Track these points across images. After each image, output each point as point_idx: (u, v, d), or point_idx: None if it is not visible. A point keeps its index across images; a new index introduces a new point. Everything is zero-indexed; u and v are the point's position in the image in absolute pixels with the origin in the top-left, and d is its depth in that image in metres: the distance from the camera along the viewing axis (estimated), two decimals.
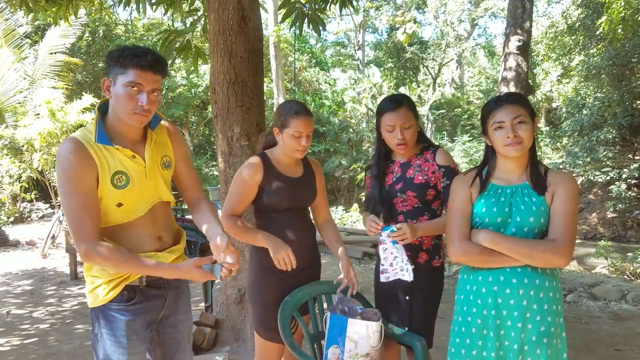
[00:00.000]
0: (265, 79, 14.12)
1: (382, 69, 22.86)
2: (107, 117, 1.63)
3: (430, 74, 23.14)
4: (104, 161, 1.55)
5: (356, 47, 21.48)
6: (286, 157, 2.16)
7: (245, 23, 3.33)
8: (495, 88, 17.30)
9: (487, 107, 1.75)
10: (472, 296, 1.76)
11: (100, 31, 13.99)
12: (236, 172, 2.15)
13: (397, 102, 2.10)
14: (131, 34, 14.79)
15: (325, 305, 2.22)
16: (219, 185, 3.74)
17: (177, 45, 4.29)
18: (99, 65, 14.56)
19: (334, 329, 2.02)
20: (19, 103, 9.91)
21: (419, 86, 21.05)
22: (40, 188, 9.79)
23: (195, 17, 4.71)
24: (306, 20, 4.45)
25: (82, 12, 9.70)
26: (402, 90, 19.11)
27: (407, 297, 2.13)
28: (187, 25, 4.82)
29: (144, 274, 1.65)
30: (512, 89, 8.18)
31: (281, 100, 13.54)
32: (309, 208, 2.33)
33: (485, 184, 1.80)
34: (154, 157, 1.70)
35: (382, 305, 2.21)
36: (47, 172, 8.73)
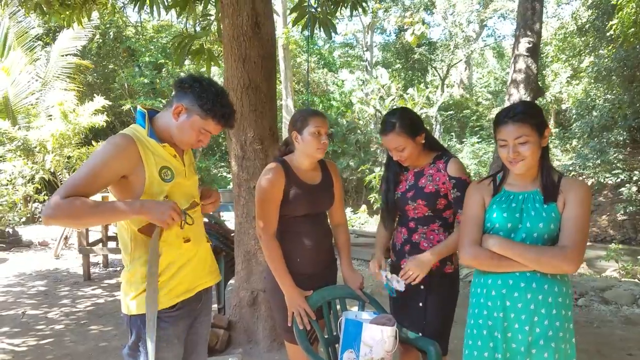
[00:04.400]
0: None
1: (390, 70, 22.81)
2: (155, 121, 1.79)
3: (438, 75, 23.07)
4: (150, 156, 1.68)
5: (364, 49, 21.47)
6: (306, 162, 2.19)
7: (259, 28, 3.37)
8: (504, 89, 17.21)
9: (496, 120, 1.78)
10: (482, 299, 1.81)
11: (111, 33, 14.10)
12: (258, 184, 2.15)
13: (386, 127, 2.13)
14: (141, 36, 14.89)
15: (339, 309, 2.25)
16: (229, 187, 3.77)
17: (190, 49, 4.35)
18: (109, 67, 14.68)
19: (349, 333, 2.05)
20: (32, 105, 10.02)
21: (427, 87, 21.01)
22: (51, 189, 9.88)
23: (208, 21, 4.76)
24: (317, 24, 4.50)
25: (94, 14, 9.83)
26: (410, 91, 19.07)
27: (420, 304, 2.15)
28: (199, 28, 4.87)
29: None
30: (522, 91, 8.17)
31: (290, 102, 13.59)
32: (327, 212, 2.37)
33: (497, 190, 1.83)
34: (189, 161, 1.90)
35: (397, 311, 2.25)
36: (59, 174, 8.83)
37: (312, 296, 2.16)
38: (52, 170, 8.62)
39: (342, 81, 22.02)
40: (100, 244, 5.98)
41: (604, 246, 9.92)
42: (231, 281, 3.77)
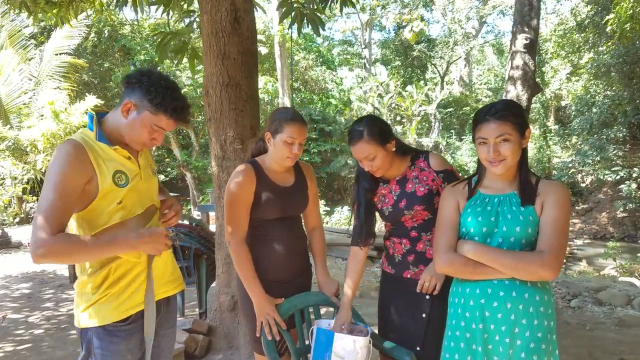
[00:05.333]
0: (270, 79, 14.01)
1: (389, 67, 22.69)
2: (104, 122, 1.68)
3: (438, 72, 22.94)
4: (101, 162, 1.58)
5: (363, 46, 21.34)
6: (276, 164, 2.09)
7: (238, 24, 3.26)
8: (504, 86, 17.08)
9: (476, 118, 1.68)
10: (460, 309, 1.71)
11: (106, 32, 13.99)
12: (227, 187, 2.04)
13: (354, 136, 1.97)
14: (137, 34, 14.78)
15: (313, 317, 2.15)
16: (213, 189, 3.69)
17: (172, 47, 4.24)
18: (105, 65, 14.58)
19: (320, 343, 1.95)
20: (24, 104, 9.92)
21: (426, 84, 20.88)
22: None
23: (192, 19, 4.65)
24: (305, 20, 4.40)
25: (86, 13, 9.72)
26: (409, 88, 18.95)
27: (424, 315, 1.99)
28: (184, 25, 4.76)
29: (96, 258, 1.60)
30: (519, 88, 8.04)
31: (286, 100, 13.48)
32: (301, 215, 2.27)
33: (472, 193, 1.73)
34: (145, 163, 1.78)
35: (389, 318, 2.12)
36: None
37: (283, 304, 2.06)
38: (43, 170, 8.52)
39: (341, 79, 21.92)
40: None
41: (603, 244, 9.82)
42: (213, 285, 3.68)
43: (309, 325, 2.11)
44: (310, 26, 4.48)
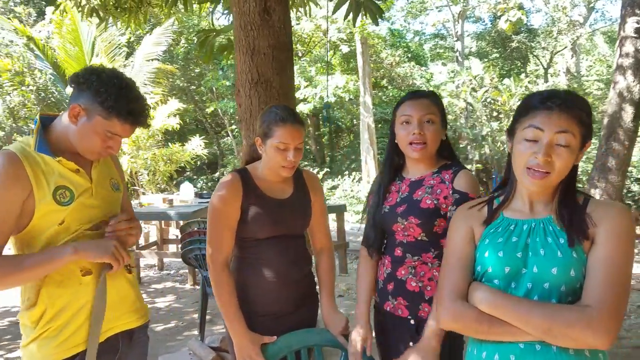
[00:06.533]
0: (351, 77, 13.66)
1: (486, 60, 21.37)
2: (50, 129, 1.46)
3: (540, 63, 21.13)
4: (41, 177, 1.37)
5: (455, 39, 20.26)
6: (271, 174, 1.76)
7: (269, 15, 2.97)
8: (612, 77, 15.22)
9: (527, 102, 1.18)
10: None
11: (195, 38, 14.56)
12: (210, 201, 1.76)
13: (421, 92, 1.66)
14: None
15: None
16: None
17: (217, 45, 4.08)
18: (196, 70, 15.18)
19: None
20: None
21: (527, 77, 19.30)
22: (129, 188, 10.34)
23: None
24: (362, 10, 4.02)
25: (171, 20, 10.08)
26: (506, 82, 17.63)
27: (411, 343, 1.58)
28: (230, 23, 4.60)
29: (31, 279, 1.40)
30: (630, 78, 6.99)
31: (368, 99, 13.06)
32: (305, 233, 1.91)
33: (493, 216, 1.25)
34: (101, 175, 1.56)
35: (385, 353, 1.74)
36: (140, 174, 9.18)
37: (274, 344, 1.70)
38: (129, 171, 8.94)
39: (431, 74, 21.00)
40: (156, 247, 5.98)
41: None
42: None
43: None
44: (367, 15, 4.11)
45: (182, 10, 4.34)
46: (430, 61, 23.22)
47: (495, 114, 18.28)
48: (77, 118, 1.41)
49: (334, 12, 4.46)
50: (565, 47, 19.81)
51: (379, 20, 4.14)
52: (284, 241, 1.77)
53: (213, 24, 4.51)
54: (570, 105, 1.11)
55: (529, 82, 18.12)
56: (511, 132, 1.21)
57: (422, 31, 24.59)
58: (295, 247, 1.81)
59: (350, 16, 3.81)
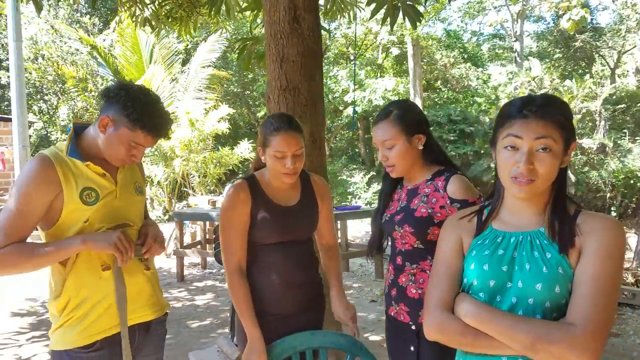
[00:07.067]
0: (401, 80, 13.52)
1: (547, 60, 20.52)
2: (82, 137, 1.63)
3: (607, 64, 20.00)
4: (70, 178, 1.54)
5: (513, 39, 19.57)
6: (275, 181, 1.82)
7: (298, 24, 3.03)
8: None
9: (504, 112, 1.18)
10: None
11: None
12: (221, 208, 1.84)
13: (379, 115, 1.69)
14: None
15: None
16: None
17: (256, 53, 4.18)
18: (249, 76, 15.57)
19: None
20: (172, 113, 11.03)
21: (592, 78, 18.32)
22: (180, 190, 10.75)
23: None
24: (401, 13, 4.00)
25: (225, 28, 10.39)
26: (568, 83, 16.81)
27: (412, 348, 1.63)
28: None
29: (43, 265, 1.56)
30: None
31: (418, 101, 12.88)
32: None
33: (482, 227, 1.24)
34: (126, 180, 1.71)
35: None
36: (191, 176, 9.55)
37: (276, 344, 1.75)
38: (180, 173, 9.30)
39: (489, 75, 20.40)
40: (199, 246, 6.20)
41: None
42: None
43: None
44: (406, 19, 4.09)
45: (232, 19, 4.50)
46: (488, 62, 22.59)
47: None
48: (105, 128, 1.56)
49: (371, 16, 4.47)
50: (635, 47, 18.64)
51: (438, 21, 4.10)
52: (290, 246, 1.82)
53: (252, 32, 4.63)
54: (547, 110, 1.09)
55: (593, 83, 17.22)
56: (493, 142, 1.19)
57: (480, 32, 23.87)
58: (300, 253, 1.86)
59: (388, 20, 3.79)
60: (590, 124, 17.30)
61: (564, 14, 10.72)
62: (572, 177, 12.15)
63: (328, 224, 1.96)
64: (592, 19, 18.99)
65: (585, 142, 15.69)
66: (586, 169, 15.29)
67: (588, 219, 1.11)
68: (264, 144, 1.75)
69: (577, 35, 18.84)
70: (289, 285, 1.81)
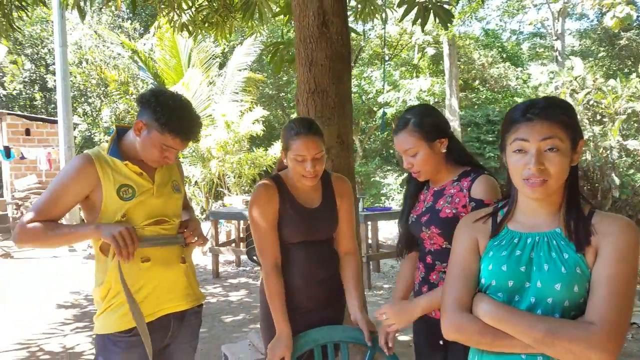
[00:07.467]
0: (437, 80, 13.38)
1: (590, 59, 19.85)
2: (124, 138, 1.79)
3: None
4: (109, 174, 1.68)
5: (554, 37, 19.04)
6: (297, 182, 1.89)
7: (327, 28, 3.10)
8: None
9: (509, 117, 1.21)
10: None
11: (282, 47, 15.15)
12: (249, 208, 1.90)
13: (398, 125, 1.72)
14: None
15: (340, 357, 1.87)
16: None
17: (287, 57, 4.28)
18: (283, 79, 15.77)
19: None
20: (209, 115, 11.28)
21: (638, 77, 17.58)
22: (217, 190, 10.97)
23: None
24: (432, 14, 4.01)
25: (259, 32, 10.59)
26: (612, 82, 16.22)
27: (440, 342, 1.65)
28: None
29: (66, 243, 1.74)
30: None
31: (454, 102, 12.74)
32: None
33: (498, 229, 1.27)
34: (164, 179, 1.83)
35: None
36: (227, 177, 9.77)
37: (301, 336, 1.82)
38: (217, 173, 9.53)
39: (528, 75, 19.91)
40: (233, 244, 6.35)
41: None
42: None
43: None
44: (437, 19, 4.09)
45: (265, 23, 4.61)
46: (528, 61, 22.05)
47: (598, 117, 16.91)
48: (140, 131, 1.70)
49: (402, 18, 4.49)
50: None
51: (475, 20, 4.09)
52: (311, 245, 1.89)
53: (283, 36, 4.73)
54: (550, 111, 1.12)
55: (639, 82, 16.54)
56: (502, 148, 1.22)
57: (520, 30, 23.34)
58: (320, 251, 1.92)
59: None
60: (635, 124, 16.61)
61: (607, 11, 10.39)
62: (617, 180, 11.71)
63: (347, 225, 1.97)
64: (638, 16, 18.23)
65: (631, 144, 15.08)
66: (631, 171, 14.72)
67: (603, 220, 1.13)
68: (286, 148, 1.82)
69: (622, 33, 18.15)
70: (310, 282, 1.87)
